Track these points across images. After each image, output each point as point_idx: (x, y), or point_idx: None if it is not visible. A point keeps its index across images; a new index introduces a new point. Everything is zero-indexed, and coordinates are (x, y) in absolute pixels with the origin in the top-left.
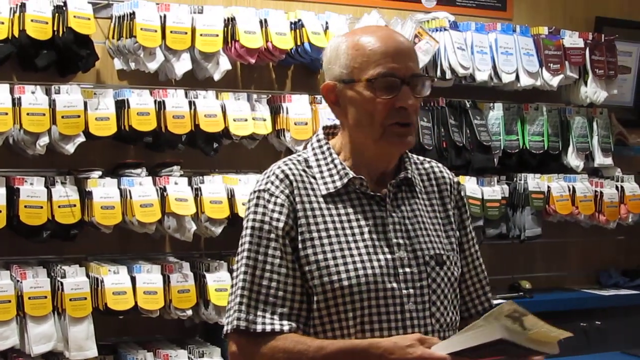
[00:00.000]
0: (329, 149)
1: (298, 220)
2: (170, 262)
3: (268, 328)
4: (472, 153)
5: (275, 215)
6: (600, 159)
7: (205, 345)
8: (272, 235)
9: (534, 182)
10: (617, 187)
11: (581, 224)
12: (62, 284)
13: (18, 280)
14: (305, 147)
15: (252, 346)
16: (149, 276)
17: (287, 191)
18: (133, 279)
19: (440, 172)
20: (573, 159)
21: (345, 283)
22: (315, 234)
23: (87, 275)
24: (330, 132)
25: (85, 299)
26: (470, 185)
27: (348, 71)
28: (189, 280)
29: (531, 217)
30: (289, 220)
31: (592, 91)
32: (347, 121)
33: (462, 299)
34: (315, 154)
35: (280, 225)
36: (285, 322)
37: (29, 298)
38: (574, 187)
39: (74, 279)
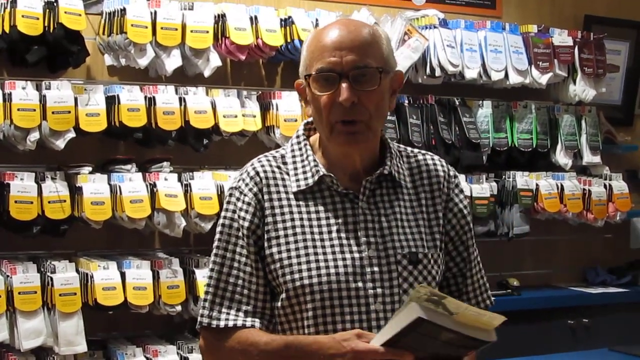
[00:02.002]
0: (305, 145)
1: (265, 219)
2: (159, 257)
3: (230, 324)
4: (461, 150)
5: (242, 214)
6: (588, 157)
7: (194, 340)
8: (240, 233)
9: (522, 179)
10: (605, 186)
11: (569, 222)
12: (51, 279)
13: (8, 275)
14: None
15: (215, 341)
16: (139, 272)
17: (255, 189)
18: (123, 275)
19: (434, 165)
20: (561, 157)
21: (306, 282)
22: (281, 232)
23: (77, 271)
24: (311, 127)
25: (75, 294)
26: None
27: (304, 68)
28: (178, 276)
29: (519, 215)
30: (255, 218)
31: (581, 89)
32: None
33: (460, 296)
34: (292, 150)
35: (246, 224)
36: (248, 319)
37: (19, 293)
38: (562, 185)
39: (64, 274)
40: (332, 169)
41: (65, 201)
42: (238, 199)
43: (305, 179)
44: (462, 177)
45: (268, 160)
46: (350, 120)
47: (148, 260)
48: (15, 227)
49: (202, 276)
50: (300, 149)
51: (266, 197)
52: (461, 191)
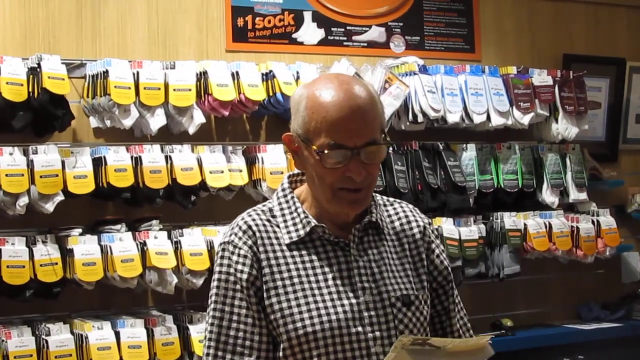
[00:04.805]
0: (292, 198)
1: (262, 270)
2: (153, 315)
3: None
4: (447, 194)
5: (239, 266)
6: (575, 195)
7: None
8: (238, 287)
9: (510, 220)
10: (593, 222)
11: (559, 260)
12: (47, 342)
13: (3, 340)
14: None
15: None
16: (133, 330)
17: (250, 242)
18: (117, 334)
19: (412, 212)
20: (548, 196)
21: (310, 329)
22: (279, 282)
23: (72, 332)
24: (295, 179)
25: (71, 355)
26: (447, 226)
27: (304, 131)
28: (172, 333)
29: (509, 255)
30: (253, 270)
31: (564, 127)
32: (306, 173)
33: (445, 335)
34: (280, 204)
35: (244, 276)
36: None
37: (15, 357)
38: (550, 224)
39: (59, 337)
40: (321, 220)
41: (57, 264)
42: (232, 253)
43: (297, 230)
44: (449, 221)
45: (258, 215)
46: (357, 189)
47: (142, 319)
48: (8, 291)
49: (196, 332)
50: (287, 201)
51: (261, 249)
52: (437, 237)
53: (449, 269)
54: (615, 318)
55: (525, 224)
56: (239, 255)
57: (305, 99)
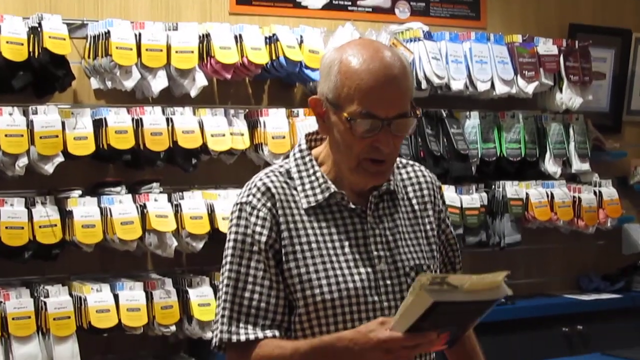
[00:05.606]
0: (311, 160)
1: (281, 234)
2: (152, 278)
3: (252, 337)
4: (449, 162)
5: (258, 228)
6: (577, 165)
7: None
8: (255, 248)
9: (512, 189)
10: (595, 192)
11: (560, 230)
12: (45, 303)
13: (1, 302)
14: (287, 157)
15: (240, 357)
16: (132, 293)
17: (269, 204)
18: (116, 297)
19: (423, 176)
20: (550, 166)
21: (327, 297)
22: (297, 247)
23: (70, 295)
24: (313, 138)
25: (69, 317)
26: (448, 193)
27: (334, 96)
28: (171, 296)
29: (510, 224)
30: (272, 233)
31: (568, 97)
32: (330, 138)
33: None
34: (297, 165)
35: (263, 239)
36: (268, 332)
37: (13, 319)
38: (552, 193)
39: (57, 299)
40: (340, 185)
41: (56, 225)
42: (250, 214)
43: (315, 195)
44: (451, 189)
45: (276, 176)
46: (382, 160)
47: (141, 282)
48: (6, 252)
49: (195, 295)
50: (305, 163)
51: (280, 212)
52: (443, 198)
53: (456, 238)
54: (615, 289)
55: (527, 193)
56: (257, 217)
57: (338, 63)
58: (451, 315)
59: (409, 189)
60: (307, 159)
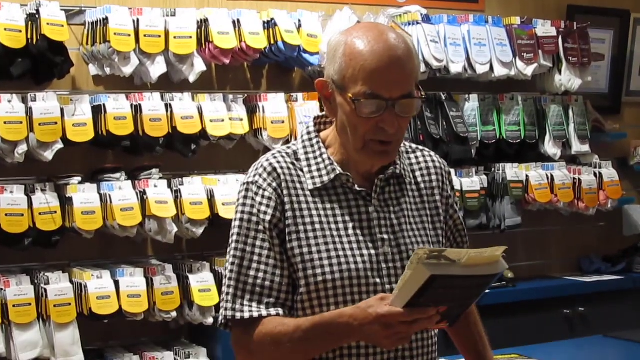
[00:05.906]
0: (318, 142)
1: (285, 213)
2: (152, 264)
3: (255, 314)
4: (449, 145)
5: (263, 208)
6: (577, 147)
7: (191, 346)
8: (260, 227)
9: (512, 171)
10: (595, 174)
11: (561, 212)
12: (45, 290)
13: (1, 289)
14: (295, 138)
15: (244, 335)
16: (132, 279)
17: (274, 184)
18: (116, 283)
19: (432, 161)
20: (550, 147)
21: (329, 277)
22: (301, 227)
23: (71, 281)
24: (321, 121)
25: (70, 304)
26: None
27: (340, 77)
28: (172, 282)
29: (511, 207)
30: (277, 212)
31: (567, 79)
32: (337, 121)
33: None
34: (304, 147)
35: (268, 217)
36: (272, 310)
37: (14, 306)
38: (552, 175)
39: (58, 285)
40: (346, 167)
41: (56, 212)
42: (256, 194)
43: (320, 176)
44: (451, 172)
45: (282, 157)
46: (388, 141)
47: (141, 268)
48: (6, 240)
49: (195, 281)
50: (312, 145)
51: (285, 192)
52: (452, 184)
53: (464, 224)
54: (616, 271)
55: (527, 176)
56: (262, 196)
57: (343, 45)
58: (450, 290)
59: (417, 173)
60: (314, 140)
